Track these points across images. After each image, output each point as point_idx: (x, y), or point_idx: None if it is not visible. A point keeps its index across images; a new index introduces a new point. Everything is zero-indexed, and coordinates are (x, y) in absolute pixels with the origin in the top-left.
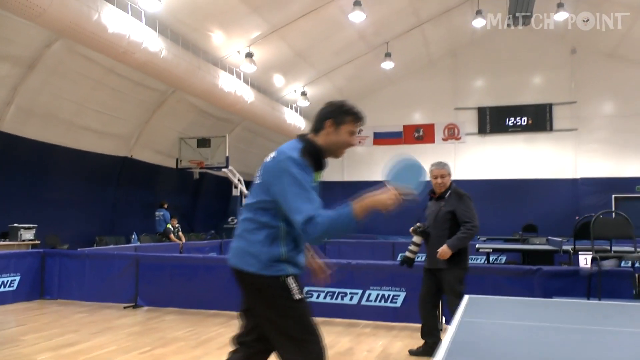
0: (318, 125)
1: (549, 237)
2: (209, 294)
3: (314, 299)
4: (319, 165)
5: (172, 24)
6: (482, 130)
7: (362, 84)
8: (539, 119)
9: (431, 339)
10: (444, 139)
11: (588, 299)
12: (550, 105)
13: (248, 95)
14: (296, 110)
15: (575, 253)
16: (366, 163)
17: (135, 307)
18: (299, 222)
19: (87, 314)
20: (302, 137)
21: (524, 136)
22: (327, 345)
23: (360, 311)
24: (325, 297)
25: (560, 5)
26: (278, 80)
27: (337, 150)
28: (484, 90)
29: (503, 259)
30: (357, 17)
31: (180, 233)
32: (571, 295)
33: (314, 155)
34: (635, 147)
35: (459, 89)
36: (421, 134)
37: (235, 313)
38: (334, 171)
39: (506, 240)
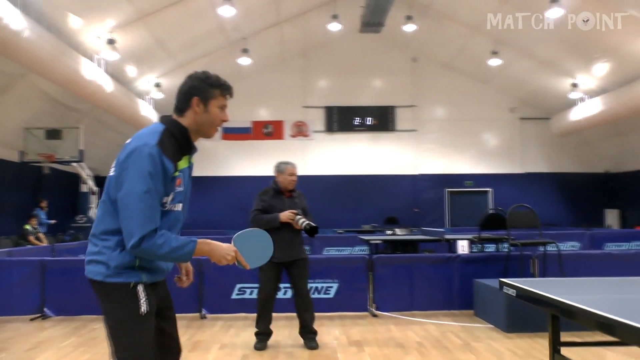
0: (182, 104)
1: (423, 228)
2: None
3: (246, 295)
4: (186, 149)
5: (34, 1)
6: (330, 128)
7: None
8: (383, 119)
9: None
10: (292, 136)
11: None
12: (393, 108)
13: (107, 84)
14: (150, 102)
15: (454, 241)
16: (214, 158)
17: (43, 317)
18: (131, 235)
19: None
20: (163, 119)
21: (369, 135)
22: (275, 339)
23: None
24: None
25: (409, 18)
26: (132, 69)
27: (208, 130)
28: (332, 90)
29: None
30: (227, 11)
31: (40, 234)
32: (486, 277)
33: (179, 138)
34: (464, 148)
35: (308, 87)
36: (270, 130)
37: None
38: None
39: (360, 232)
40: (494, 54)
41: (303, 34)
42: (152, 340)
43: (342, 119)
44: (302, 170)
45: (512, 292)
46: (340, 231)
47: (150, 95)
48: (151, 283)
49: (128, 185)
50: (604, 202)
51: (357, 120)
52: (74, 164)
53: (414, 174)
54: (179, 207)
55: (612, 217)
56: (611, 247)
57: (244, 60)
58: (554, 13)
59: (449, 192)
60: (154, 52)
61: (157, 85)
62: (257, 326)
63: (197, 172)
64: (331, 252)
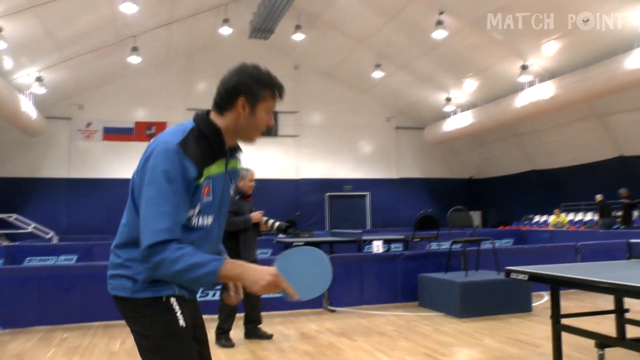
0: (224, 102)
1: (338, 230)
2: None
3: (209, 297)
4: (219, 152)
5: None
6: None
7: (99, 74)
8: None
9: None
10: None
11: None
12: (276, 113)
13: None
14: (29, 98)
15: (370, 242)
16: (95, 159)
17: None
18: (143, 244)
19: None
20: (196, 116)
21: None
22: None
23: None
24: (214, 295)
25: (298, 27)
26: (9, 61)
27: (250, 134)
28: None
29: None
30: (129, 8)
31: None
32: (427, 271)
33: (210, 139)
34: (343, 153)
35: (192, 89)
36: (153, 132)
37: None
38: (57, 166)
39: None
40: (377, 66)
41: (190, 36)
42: (197, 357)
43: None
44: None
45: (523, 276)
46: None
47: (31, 89)
48: (182, 298)
49: (144, 190)
50: (469, 204)
51: None
52: None
53: (295, 178)
54: (208, 220)
55: (475, 218)
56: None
57: (134, 59)
58: (439, 34)
59: (329, 196)
60: (41, 43)
61: (39, 79)
62: (225, 325)
63: (74, 174)
64: None
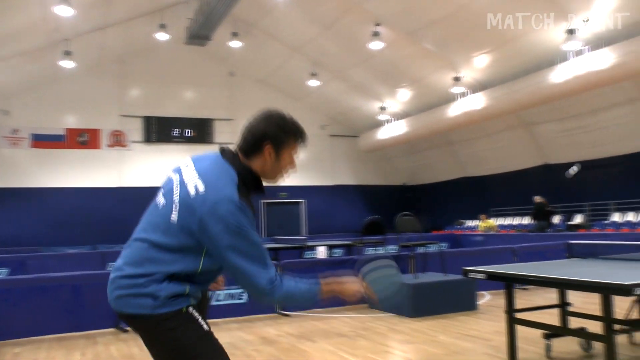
0: (252, 148)
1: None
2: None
3: None
4: (254, 194)
5: None
6: (149, 139)
7: (27, 79)
8: (201, 132)
9: None
10: (110, 145)
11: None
12: (212, 120)
13: None
14: None
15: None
16: (21, 168)
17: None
18: (262, 286)
19: None
20: (231, 159)
21: (188, 147)
22: None
23: (214, 311)
24: None
25: (235, 34)
26: None
27: (274, 177)
28: (152, 100)
29: None
30: (64, 11)
31: None
32: None
33: (250, 185)
34: None
35: (126, 96)
36: (86, 139)
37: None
38: None
39: None
40: (313, 75)
41: (125, 40)
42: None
43: (161, 130)
44: (119, 182)
45: (481, 275)
46: None
47: None
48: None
49: (227, 240)
50: (402, 210)
51: (176, 132)
52: None
53: None
54: None
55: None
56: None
57: (67, 63)
58: (376, 45)
59: (265, 203)
60: None
61: None
62: None
63: (4, 184)
64: None
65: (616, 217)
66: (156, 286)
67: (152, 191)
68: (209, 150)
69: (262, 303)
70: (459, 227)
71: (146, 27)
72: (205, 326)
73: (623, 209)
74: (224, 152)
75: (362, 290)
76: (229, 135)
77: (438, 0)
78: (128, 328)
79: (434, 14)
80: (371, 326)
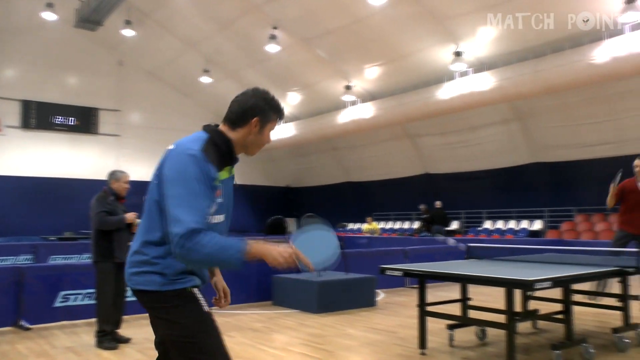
0: (239, 119)
1: None
2: None
3: (70, 302)
4: (228, 160)
5: None
6: (27, 124)
7: None
8: (85, 121)
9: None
10: None
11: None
12: (97, 110)
13: None
14: None
15: None
16: None
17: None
18: (176, 234)
19: None
20: (208, 128)
21: (71, 136)
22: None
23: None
24: (83, 299)
25: (128, 23)
26: None
27: (254, 150)
28: (32, 83)
29: None
30: None
31: None
32: (280, 273)
33: (222, 149)
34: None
35: (2, 75)
36: None
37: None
38: None
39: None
40: (206, 72)
41: (3, 14)
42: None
43: (41, 116)
44: None
45: (398, 273)
46: (53, 238)
47: None
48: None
49: (170, 189)
50: (286, 212)
51: (58, 119)
52: None
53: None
54: (219, 218)
55: (291, 225)
56: None
57: None
58: (272, 48)
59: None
60: None
61: None
62: (104, 326)
63: None
64: (58, 260)
65: (488, 224)
66: (164, 263)
67: (30, 181)
68: (94, 140)
69: (184, 263)
70: (341, 229)
71: (31, 4)
72: (205, 308)
73: (494, 218)
74: (206, 126)
75: (290, 258)
76: (115, 126)
77: (335, 11)
78: (30, 326)
79: (330, 23)
80: (280, 322)
